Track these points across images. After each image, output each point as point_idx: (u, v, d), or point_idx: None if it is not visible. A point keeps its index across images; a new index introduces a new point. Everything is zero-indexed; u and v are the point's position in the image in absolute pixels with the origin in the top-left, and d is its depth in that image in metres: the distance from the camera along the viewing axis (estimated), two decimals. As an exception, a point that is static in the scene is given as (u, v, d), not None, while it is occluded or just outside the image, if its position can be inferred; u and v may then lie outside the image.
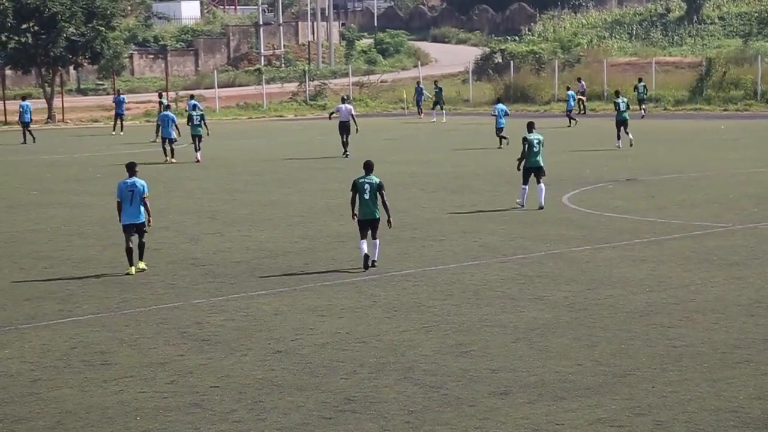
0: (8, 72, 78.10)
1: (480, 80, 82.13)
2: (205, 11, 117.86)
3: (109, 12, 69.55)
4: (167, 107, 49.85)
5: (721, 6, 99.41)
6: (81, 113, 72.10)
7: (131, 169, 20.33)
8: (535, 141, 27.21)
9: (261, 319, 16.50)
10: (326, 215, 26.95)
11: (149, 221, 20.34)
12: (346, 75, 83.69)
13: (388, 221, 20.17)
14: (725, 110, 64.95)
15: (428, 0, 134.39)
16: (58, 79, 71.75)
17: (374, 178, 20.09)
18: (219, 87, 76.39)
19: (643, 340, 14.81)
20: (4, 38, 67.58)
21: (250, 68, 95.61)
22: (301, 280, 19.25)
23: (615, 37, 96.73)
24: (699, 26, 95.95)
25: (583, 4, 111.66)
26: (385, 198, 20.13)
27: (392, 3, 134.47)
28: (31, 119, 54.78)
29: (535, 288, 18.21)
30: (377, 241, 20.22)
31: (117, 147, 49.53)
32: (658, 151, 42.20)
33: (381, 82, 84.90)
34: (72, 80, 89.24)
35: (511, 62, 78.29)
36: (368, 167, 20.24)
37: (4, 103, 68.75)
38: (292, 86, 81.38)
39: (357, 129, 42.63)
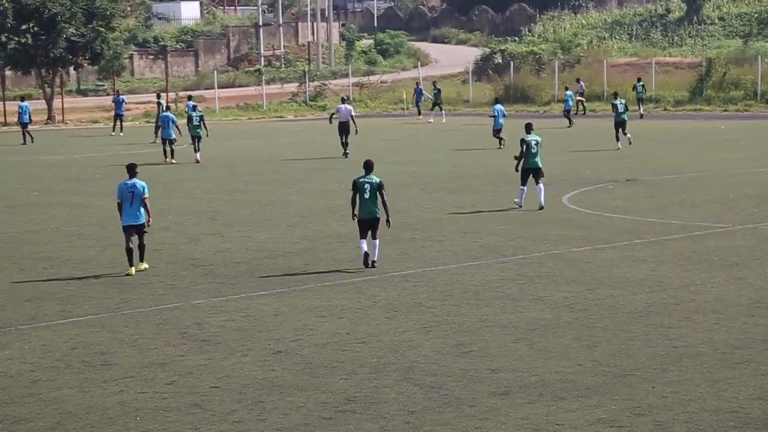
0: (8, 73, 78.10)
1: (480, 81, 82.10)
2: (205, 12, 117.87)
3: (109, 13, 69.56)
4: (167, 108, 49.84)
5: (721, 6, 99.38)
6: (81, 114, 72.10)
7: (131, 170, 20.36)
8: (533, 142, 27.21)
9: (261, 320, 16.50)
10: (326, 216, 26.95)
11: (149, 221, 20.36)
12: (346, 75, 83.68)
13: (387, 221, 20.19)
14: (725, 111, 64.94)
15: (428, 0, 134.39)
16: (58, 80, 71.74)
17: (374, 178, 20.11)
18: (219, 87, 76.38)
19: (644, 340, 14.81)
20: (4, 39, 67.59)
21: (250, 69, 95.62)
22: (301, 281, 19.25)
23: (615, 38, 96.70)
24: (699, 27, 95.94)
25: (583, 4, 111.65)
26: (385, 198, 20.16)
27: (392, 3, 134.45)
28: (30, 120, 54.77)
29: (535, 288, 18.21)
30: (377, 241, 20.23)
31: (117, 147, 49.52)
32: (658, 151, 42.20)
33: (381, 82, 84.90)
34: (72, 81, 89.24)
35: (511, 63, 78.29)
36: (368, 167, 20.27)
37: (4, 104, 68.73)
38: (292, 87, 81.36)
39: (356, 130, 42.61)
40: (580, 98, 64.49)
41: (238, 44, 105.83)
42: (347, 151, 42.19)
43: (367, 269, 19.96)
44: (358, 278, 19.35)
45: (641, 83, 61.52)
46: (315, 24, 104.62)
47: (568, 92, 59.16)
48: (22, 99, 57.76)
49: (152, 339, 15.55)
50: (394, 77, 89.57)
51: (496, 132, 44.61)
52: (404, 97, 74.66)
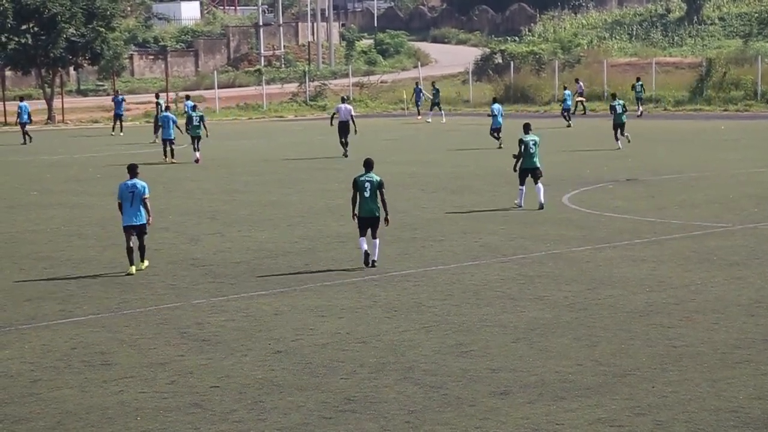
0: (8, 73, 78.10)
1: (480, 81, 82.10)
2: (205, 12, 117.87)
3: (109, 13, 69.58)
4: (167, 108, 49.85)
5: (721, 6, 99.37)
6: (81, 114, 72.12)
7: (132, 170, 20.40)
8: (531, 142, 27.23)
9: (261, 320, 16.50)
10: (326, 215, 26.95)
11: (149, 221, 20.39)
12: (346, 75, 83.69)
13: (386, 219, 20.22)
14: (725, 111, 64.96)
15: (428, 0, 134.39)
16: (58, 80, 71.76)
17: (374, 176, 20.14)
18: (219, 88, 76.38)
19: (644, 340, 14.81)
20: (4, 39, 67.61)
21: (250, 69, 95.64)
22: (301, 281, 19.26)
23: (615, 38, 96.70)
24: (699, 27, 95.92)
25: (583, 4, 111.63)
26: (385, 196, 20.19)
27: (392, 3, 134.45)
28: (29, 120, 54.79)
29: (535, 288, 18.21)
30: (377, 240, 20.24)
31: (117, 147, 49.53)
32: (658, 151, 42.21)
33: (381, 82, 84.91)
34: (72, 81, 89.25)
35: (511, 63, 78.29)
36: (368, 165, 20.30)
37: (4, 104, 68.74)
38: (292, 87, 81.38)
39: (356, 131, 42.61)
40: (580, 98, 64.49)
41: (238, 44, 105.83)
42: (347, 151, 42.19)
43: (367, 269, 19.97)
44: (358, 278, 19.35)
45: (640, 83, 61.58)
46: (315, 24, 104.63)
47: (567, 92, 59.23)
48: (21, 99, 57.76)
49: (152, 339, 15.56)
50: (394, 77, 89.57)
51: (496, 131, 44.60)
52: (404, 97, 74.67)
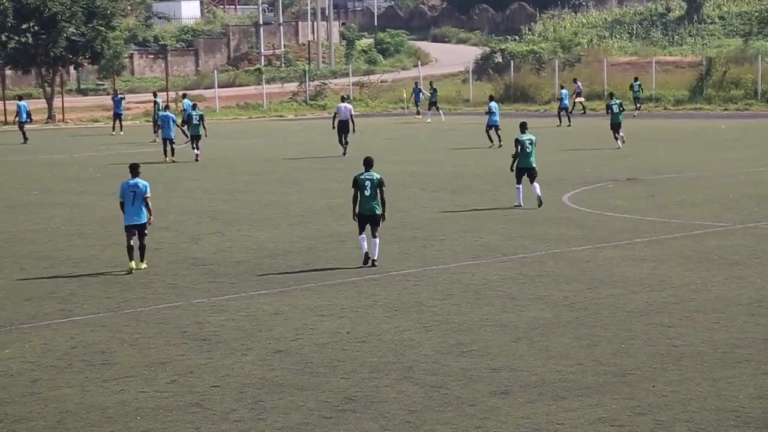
0: (8, 72, 78.12)
1: (480, 80, 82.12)
2: (205, 11, 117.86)
3: (109, 12, 69.59)
4: (166, 107, 49.85)
5: (722, 5, 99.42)
6: (81, 113, 72.13)
7: (134, 170, 20.46)
8: (527, 141, 27.25)
9: (261, 319, 16.50)
10: (326, 215, 26.96)
11: (150, 219, 20.41)
12: (347, 75, 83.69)
13: (383, 214, 20.26)
14: (725, 110, 64.98)
15: (428, 0, 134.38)
16: (58, 79, 71.78)
17: (375, 174, 20.17)
18: (219, 87, 76.39)
19: (644, 339, 14.81)
20: (4, 38, 67.62)
21: (251, 68, 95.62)
22: (301, 280, 19.26)
23: (615, 37, 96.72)
24: (699, 26, 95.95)
25: (584, 3, 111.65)
26: (384, 195, 20.23)
27: (392, 3, 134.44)
28: (30, 119, 54.80)
29: (535, 287, 18.21)
30: (377, 239, 20.24)
31: (117, 147, 49.54)
32: (658, 150, 42.21)
33: (381, 82, 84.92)
34: (72, 80, 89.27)
35: (512, 62, 78.30)
36: (368, 163, 20.33)
37: (4, 103, 68.74)
38: (292, 86, 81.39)
39: (354, 130, 42.64)
40: (579, 99, 64.47)
41: (238, 43, 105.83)
42: (346, 150, 42.20)
43: (367, 268, 19.97)
44: (359, 277, 19.35)
45: (638, 83, 61.60)
46: (315, 23, 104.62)
47: (564, 91, 59.29)
48: (20, 98, 57.77)
49: (153, 338, 15.56)
50: (395, 76, 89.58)
51: (495, 129, 44.58)
52: (404, 96, 74.66)
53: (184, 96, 54.68)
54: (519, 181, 27.35)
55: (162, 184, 33.19)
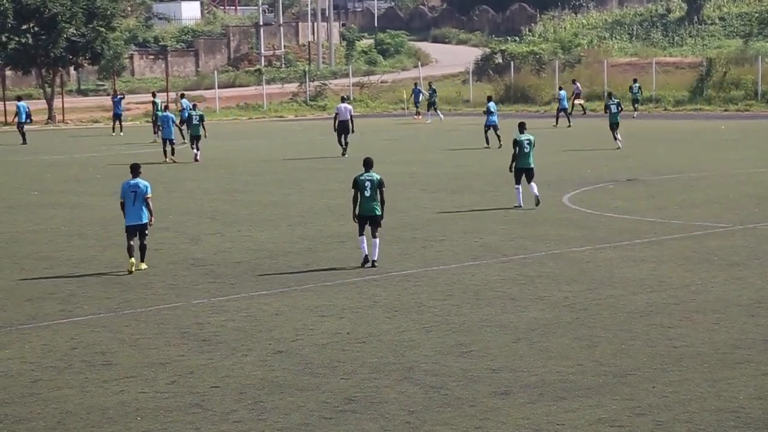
0: (8, 72, 78.12)
1: (480, 81, 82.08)
2: (206, 12, 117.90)
3: (109, 13, 69.61)
4: (166, 108, 49.88)
5: (722, 6, 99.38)
6: (81, 114, 72.13)
7: (135, 170, 20.47)
8: (525, 142, 27.25)
9: (261, 320, 16.50)
10: (326, 215, 26.96)
11: (151, 220, 20.42)
12: (347, 75, 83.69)
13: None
14: (725, 110, 64.97)
15: (428, 0, 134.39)
16: (58, 80, 71.77)
17: (375, 175, 20.19)
18: (219, 87, 76.39)
19: (644, 340, 14.81)
20: (4, 39, 67.63)
21: (251, 69, 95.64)
22: (301, 281, 19.26)
23: (615, 38, 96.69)
24: (699, 27, 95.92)
25: (584, 4, 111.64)
26: (384, 195, 20.26)
27: (392, 3, 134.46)
28: (29, 120, 54.79)
29: (535, 288, 18.21)
30: (377, 240, 20.24)
31: (117, 147, 49.54)
32: (658, 151, 42.20)
33: (381, 82, 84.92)
34: (72, 81, 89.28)
35: (512, 63, 78.29)
36: (368, 164, 20.35)
37: (4, 104, 68.73)
38: (292, 87, 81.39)
39: (353, 130, 42.67)
40: (578, 101, 64.46)
41: (238, 44, 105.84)
42: (345, 150, 42.21)
43: (367, 269, 19.97)
44: (359, 278, 19.35)
45: (637, 84, 61.59)
46: (315, 24, 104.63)
47: (562, 92, 59.29)
48: (19, 99, 57.78)
49: (153, 339, 15.56)
50: (395, 77, 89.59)
51: (493, 129, 44.58)
52: (404, 96, 74.68)
53: (182, 96, 54.72)
54: (518, 182, 27.36)
55: (162, 185, 33.19)
